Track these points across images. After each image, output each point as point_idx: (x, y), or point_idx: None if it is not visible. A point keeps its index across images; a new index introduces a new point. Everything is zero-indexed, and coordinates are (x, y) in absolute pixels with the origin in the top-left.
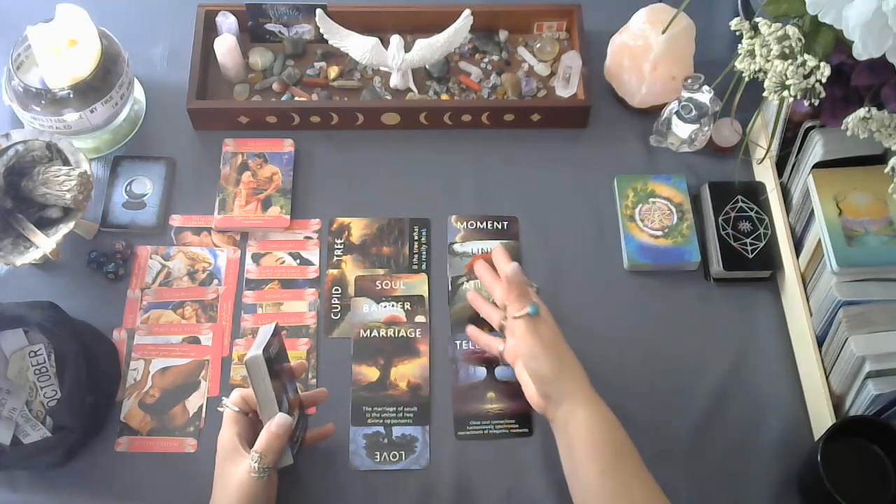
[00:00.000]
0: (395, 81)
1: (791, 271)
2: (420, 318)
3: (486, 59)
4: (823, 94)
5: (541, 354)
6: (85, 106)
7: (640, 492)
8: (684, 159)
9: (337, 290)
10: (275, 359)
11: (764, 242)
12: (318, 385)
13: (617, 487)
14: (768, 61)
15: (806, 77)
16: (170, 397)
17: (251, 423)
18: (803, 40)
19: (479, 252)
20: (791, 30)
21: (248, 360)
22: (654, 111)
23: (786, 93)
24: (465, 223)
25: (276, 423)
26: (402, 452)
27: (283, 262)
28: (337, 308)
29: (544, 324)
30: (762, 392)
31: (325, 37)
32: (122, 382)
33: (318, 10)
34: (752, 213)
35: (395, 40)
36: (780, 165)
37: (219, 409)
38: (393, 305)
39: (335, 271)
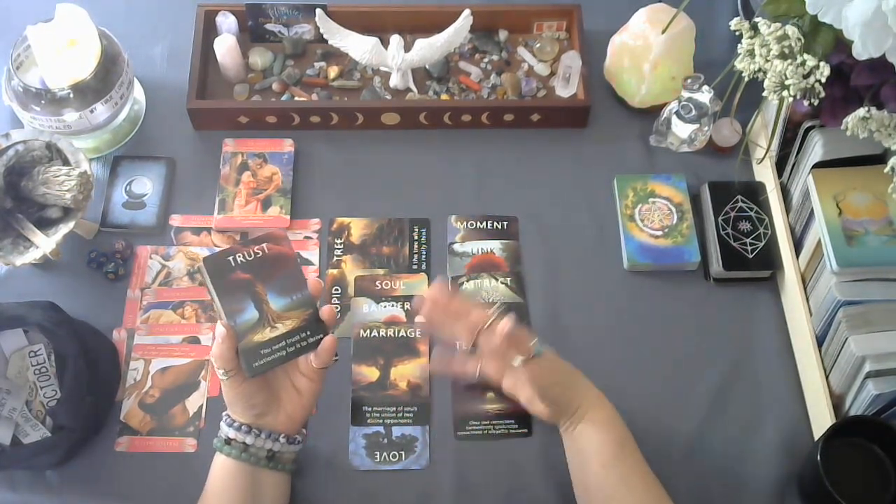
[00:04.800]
0: (394, 81)
1: (791, 271)
2: (420, 318)
3: (485, 59)
4: (823, 94)
5: (555, 385)
6: (85, 106)
7: (639, 484)
8: (684, 159)
9: (337, 289)
10: (243, 267)
11: (764, 242)
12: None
13: (616, 479)
14: (768, 61)
15: (805, 77)
16: (170, 397)
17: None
18: (803, 40)
19: (479, 252)
20: (791, 30)
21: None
22: (654, 111)
23: (785, 93)
24: (464, 223)
25: (216, 331)
26: (402, 452)
27: None
28: (337, 308)
29: (544, 354)
30: (762, 392)
31: (324, 37)
32: (121, 382)
33: (318, 10)
34: (752, 213)
35: (395, 40)
36: (780, 165)
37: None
38: (393, 305)
39: (335, 271)
